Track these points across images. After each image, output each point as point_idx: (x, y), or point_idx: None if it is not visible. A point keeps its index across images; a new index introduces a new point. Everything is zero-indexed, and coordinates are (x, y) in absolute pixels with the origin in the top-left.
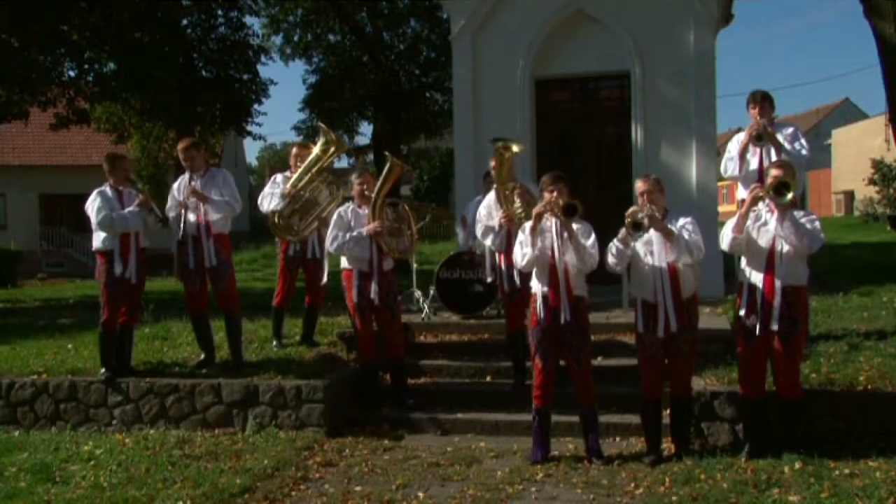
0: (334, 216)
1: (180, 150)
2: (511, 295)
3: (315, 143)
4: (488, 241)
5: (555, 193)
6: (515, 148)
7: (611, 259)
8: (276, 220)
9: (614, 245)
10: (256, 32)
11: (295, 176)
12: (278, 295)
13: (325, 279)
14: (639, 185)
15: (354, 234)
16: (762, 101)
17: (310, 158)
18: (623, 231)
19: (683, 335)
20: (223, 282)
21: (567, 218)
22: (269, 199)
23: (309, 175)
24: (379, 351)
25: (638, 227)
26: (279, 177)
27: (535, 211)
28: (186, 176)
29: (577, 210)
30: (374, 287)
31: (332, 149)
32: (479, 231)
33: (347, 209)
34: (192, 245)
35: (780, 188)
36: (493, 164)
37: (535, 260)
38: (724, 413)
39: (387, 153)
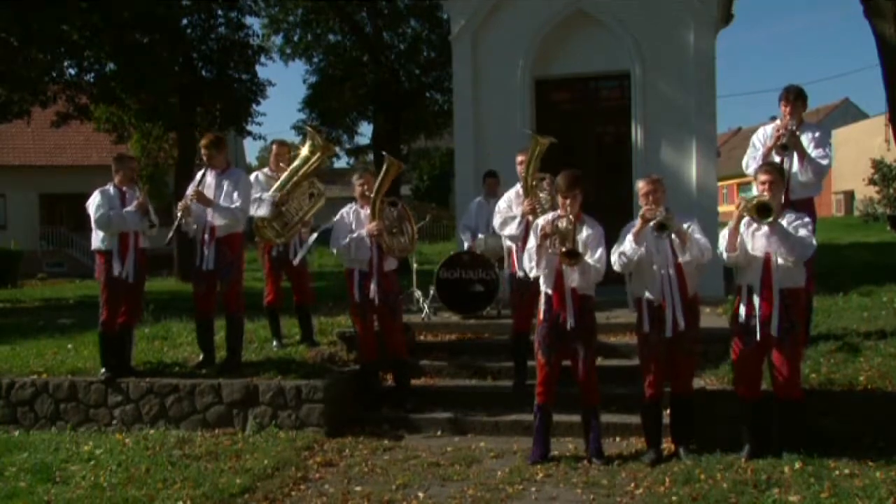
0: (336, 218)
1: (202, 146)
2: (522, 294)
3: (296, 144)
4: (507, 231)
5: (568, 201)
6: (545, 140)
7: (621, 260)
8: (263, 224)
9: (628, 244)
10: (256, 32)
11: (281, 180)
12: (268, 295)
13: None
14: (641, 186)
15: (355, 235)
16: (795, 99)
17: (296, 162)
18: (634, 229)
19: (688, 334)
20: (225, 283)
21: (567, 262)
22: (257, 205)
23: (295, 179)
24: (380, 351)
25: (663, 228)
26: (260, 175)
27: (542, 231)
28: (203, 171)
29: (578, 259)
30: (373, 286)
31: (318, 153)
32: (497, 222)
33: (349, 210)
34: (199, 247)
35: (761, 210)
36: (519, 158)
37: (543, 273)
38: (724, 413)
39: (384, 153)
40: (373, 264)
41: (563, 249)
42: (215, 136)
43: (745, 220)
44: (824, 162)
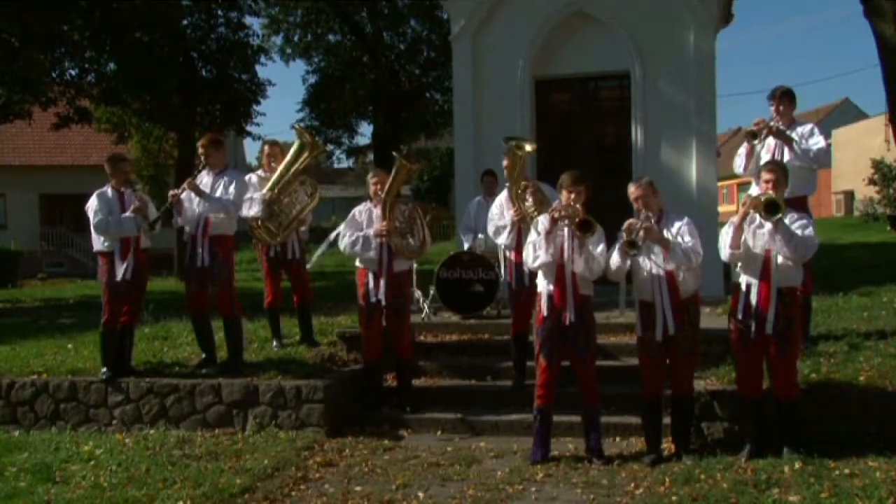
0: (349, 216)
1: (200, 145)
2: (518, 294)
3: (288, 144)
4: (500, 240)
5: (573, 195)
6: (528, 147)
7: (610, 267)
8: (257, 225)
9: (612, 259)
10: (256, 32)
11: (272, 180)
12: (268, 296)
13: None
14: (632, 191)
15: (361, 234)
16: (781, 97)
17: (286, 161)
18: (620, 242)
19: (682, 335)
20: (216, 284)
21: (582, 233)
22: (248, 205)
23: (286, 178)
24: (384, 352)
25: (633, 246)
26: (253, 177)
27: (551, 216)
28: (199, 171)
29: (593, 227)
30: (382, 288)
31: (307, 152)
32: (490, 229)
33: (362, 209)
34: (191, 244)
35: (770, 207)
36: (505, 163)
37: (547, 263)
38: (724, 413)
39: (395, 153)
40: (382, 265)
41: (577, 220)
42: (214, 137)
43: (749, 217)
44: (820, 145)
